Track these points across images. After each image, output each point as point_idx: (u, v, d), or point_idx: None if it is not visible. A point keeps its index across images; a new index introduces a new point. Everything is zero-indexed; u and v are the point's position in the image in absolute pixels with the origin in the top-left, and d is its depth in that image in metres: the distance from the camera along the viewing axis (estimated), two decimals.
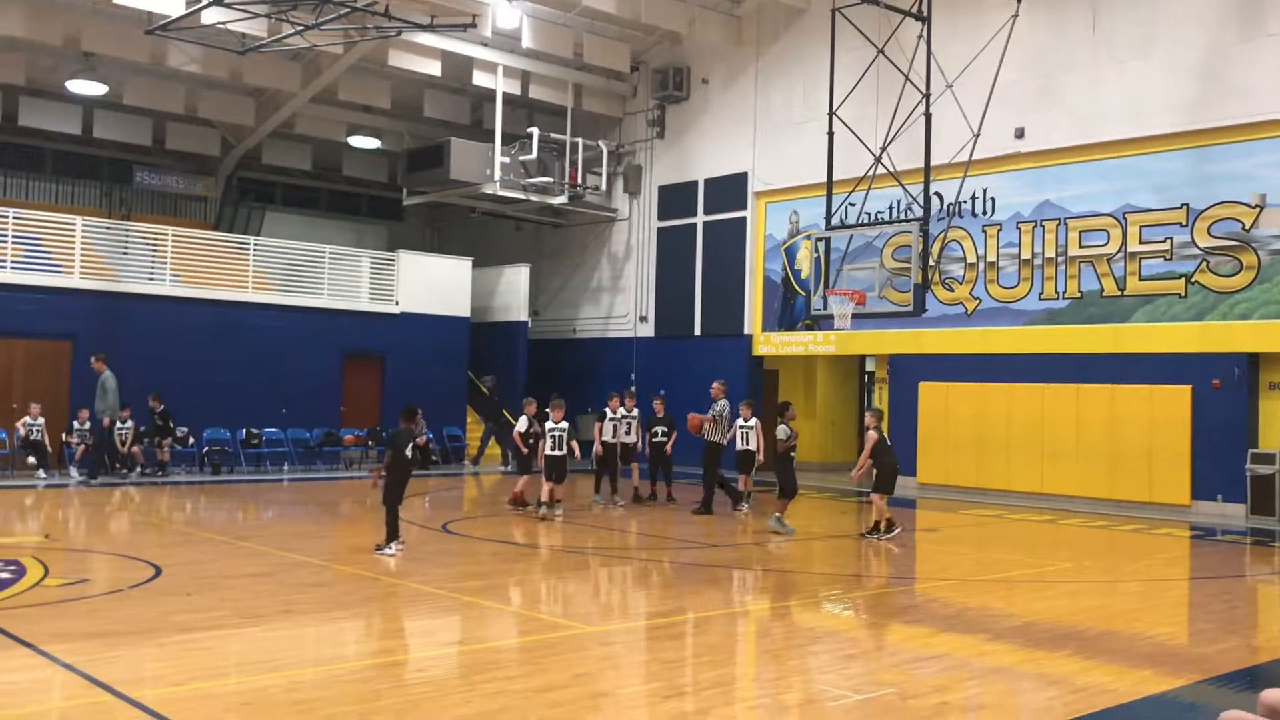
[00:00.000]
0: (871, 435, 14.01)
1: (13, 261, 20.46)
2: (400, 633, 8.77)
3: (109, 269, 21.83)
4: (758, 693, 7.06)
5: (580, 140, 25.86)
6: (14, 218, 20.83)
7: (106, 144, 26.61)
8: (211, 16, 19.47)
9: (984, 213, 20.88)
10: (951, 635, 8.72)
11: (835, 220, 19.74)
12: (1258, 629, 9.91)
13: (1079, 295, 19.60)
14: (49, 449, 19.67)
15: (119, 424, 19.88)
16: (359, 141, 28.15)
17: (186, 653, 7.42)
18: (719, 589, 10.89)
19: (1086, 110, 19.45)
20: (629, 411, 17.37)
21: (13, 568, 10.34)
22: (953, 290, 21.20)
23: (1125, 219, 19.07)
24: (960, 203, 20.63)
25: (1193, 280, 18.31)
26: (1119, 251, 19.14)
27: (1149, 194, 18.82)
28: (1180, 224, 18.44)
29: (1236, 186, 17.85)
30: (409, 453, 11.74)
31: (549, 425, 15.15)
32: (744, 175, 24.72)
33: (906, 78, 18.79)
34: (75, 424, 19.85)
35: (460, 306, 26.04)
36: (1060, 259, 19.86)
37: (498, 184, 24.75)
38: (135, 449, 20.16)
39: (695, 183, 25.76)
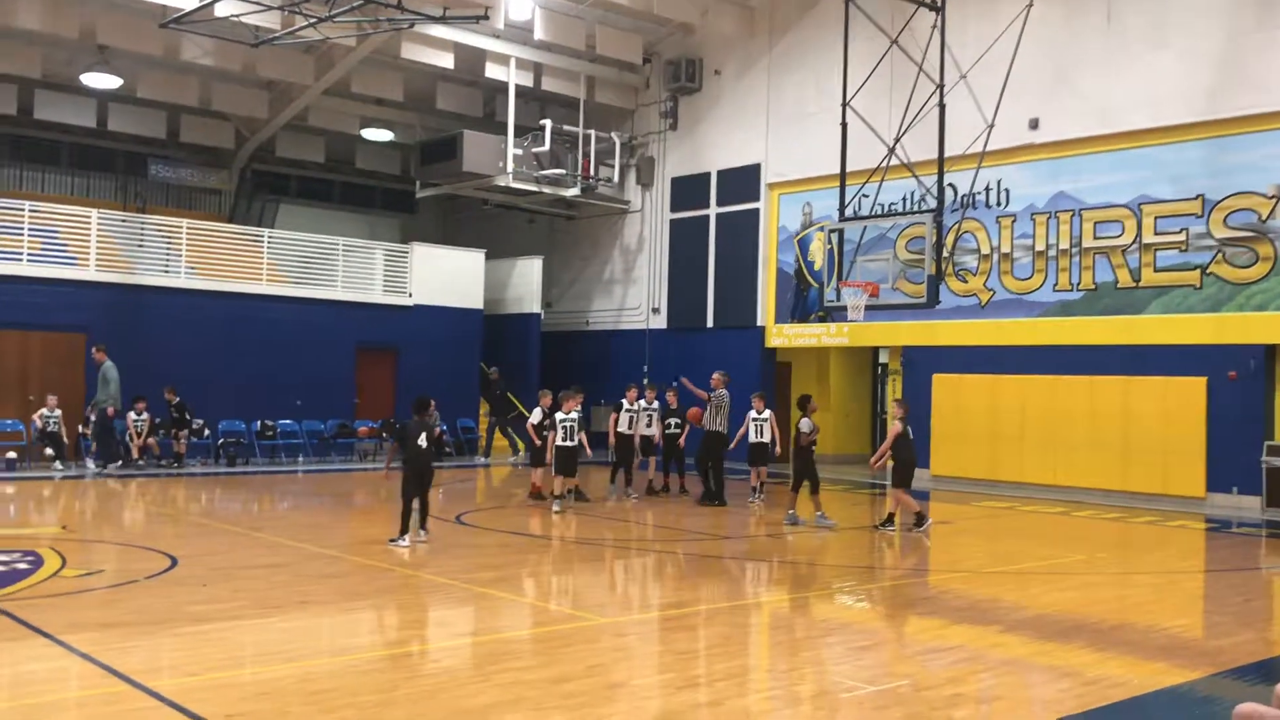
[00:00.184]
0: (895, 427, 13.96)
1: (29, 254, 20.58)
2: (415, 623, 8.81)
3: (124, 261, 21.93)
4: (771, 684, 7.08)
5: (593, 132, 25.85)
6: (30, 210, 20.95)
7: (121, 137, 26.71)
8: (225, 9, 19.53)
9: (998, 204, 20.81)
10: (965, 627, 8.72)
11: (849, 212, 19.68)
12: (1273, 622, 9.89)
13: (1093, 287, 19.53)
14: (65, 440, 19.80)
15: (135, 415, 20.00)
16: (372, 134, 28.19)
17: (202, 643, 7.47)
18: (732, 581, 10.91)
19: (1101, 101, 19.36)
20: (649, 404, 17.33)
21: (30, 558, 10.42)
22: (966, 282, 21.15)
23: (1140, 210, 18.98)
24: (974, 194, 20.57)
25: (1208, 271, 18.22)
26: (1134, 243, 19.05)
27: (1164, 185, 18.72)
28: (1196, 215, 18.35)
29: (1253, 177, 17.75)
30: (422, 444, 11.72)
31: (559, 416, 15.16)
32: (757, 167, 24.68)
33: (920, 68, 18.71)
34: (90, 416, 19.96)
35: (473, 299, 26.09)
36: (1075, 250, 19.79)
37: (510, 176, 24.75)
38: (151, 441, 20.28)
39: (708, 174, 25.72)
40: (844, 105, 19.19)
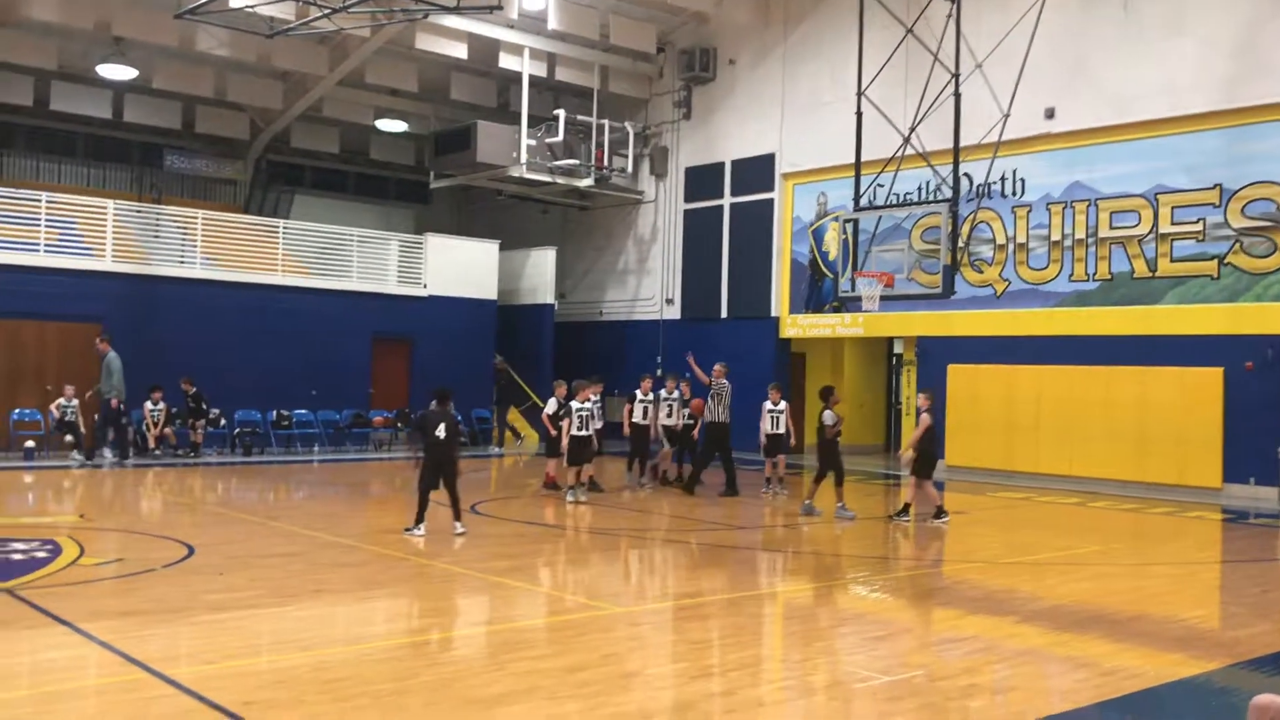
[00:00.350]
0: (926, 419, 13.92)
1: (46, 245, 20.69)
2: (430, 612, 8.83)
3: (140, 252, 22.02)
4: (785, 674, 7.08)
5: (606, 122, 25.82)
6: (47, 201, 21.05)
7: (137, 128, 26.79)
8: (240, 0, 19.55)
9: (1014, 194, 20.72)
10: (980, 617, 8.70)
11: (863, 201, 19.64)
12: None
13: (1109, 277, 19.44)
14: (83, 430, 19.89)
15: (151, 405, 20.11)
16: (386, 125, 28.22)
17: (219, 631, 7.51)
18: (746, 570, 10.91)
19: (1118, 90, 19.24)
20: (669, 394, 17.26)
21: (49, 547, 10.49)
22: (982, 272, 21.07)
23: (1157, 200, 18.88)
24: (990, 184, 20.47)
25: (1225, 261, 18.11)
26: (1150, 233, 18.95)
27: (1181, 174, 18.61)
28: (1213, 205, 18.24)
29: (1271, 166, 17.62)
30: (440, 434, 11.75)
31: (575, 405, 15.14)
32: (771, 156, 24.62)
33: (935, 57, 18.63)
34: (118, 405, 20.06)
35: (487, 289, 26.13)
36: (1090, 240, 19.69)
37: (524, 167, 24.75)
38: (167, 430, 20.38)
39: (722, 164, 25.68)
40: (859, 94, 19.13)
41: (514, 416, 26.26)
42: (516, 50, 24.31)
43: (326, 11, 19.07)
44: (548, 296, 27.33)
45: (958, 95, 18.07)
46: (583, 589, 9.84)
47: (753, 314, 24.88)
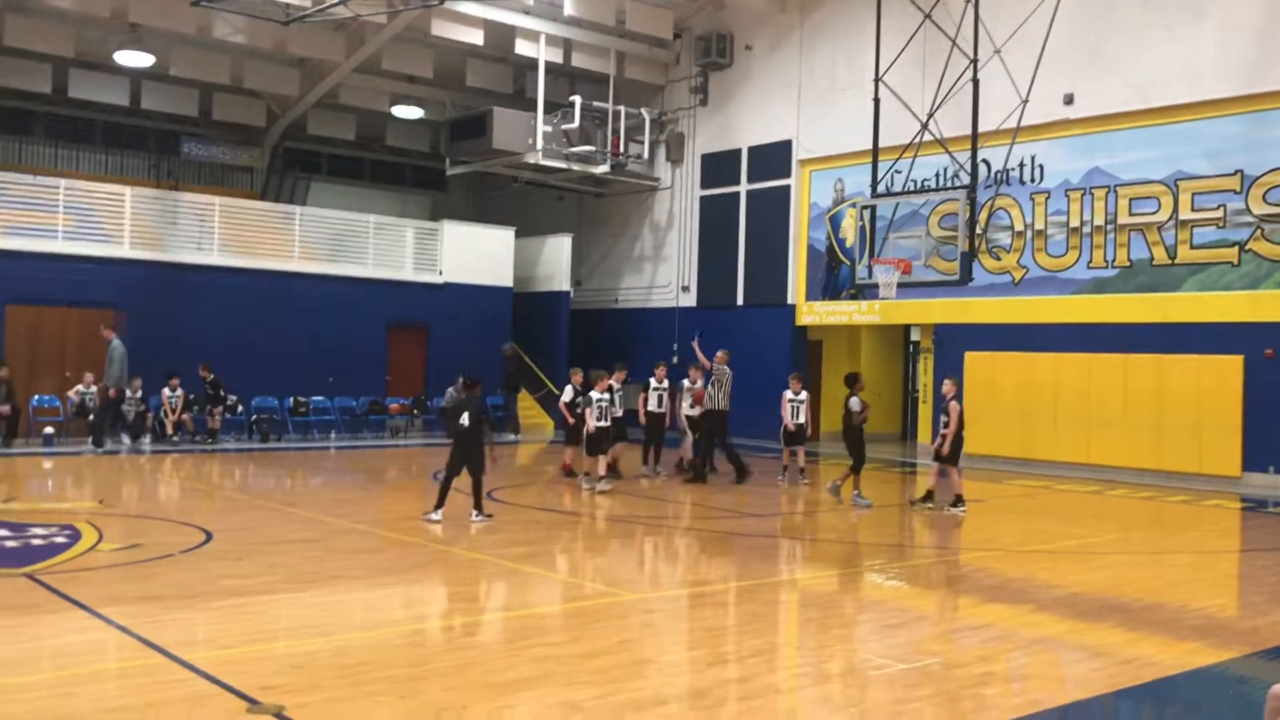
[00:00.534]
0: (956, 406, 13.86)
1: (64, 232, 20.79)
2: (447, 598, 8.87)
3: (158, 239, 22.10)
4: (800, 661, 7.08)
5: (622, 108, 25.75)
6: (65, 189, 21.15)
7: (154, 115, 26.87)
8: None
9: (1032, 180, 20.60)
10: (996, 605, 8.69)
11: (881, 188, 19.57)
12: None
13: (1128, 264, 19.32)
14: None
15: (169, 392, 20.21)
16: (402, 111, 28.21)
17: (237, 616, 7.56)
18: (762, 558, 10.91)
19: (1137, 75, 19.08)
20: (692, 384, 17.15)
21: (68, 532, 10.56)
22: (1000, 259, 20.97)
23: (1177, 186, 18.74)
24: (1008, 170, 20.36)
25: (1246, 248, 17.97)
26: (1170, 219, 18.82)
27: (1202, 160, 18.46)
28: (1234, 191, 18.09)
29: None
30: (464, 422, 11.81)
31: (594, 395, 15.09)
32: (788, 143, 24.52)
33: (954, 43, 18.54)
34: (128, 392, 20.17)
35: (503, 276, 26.15)
36: (1109, 227, 19.57)
37: (540, 153, 24.72)
38: (185, 417, 20.49)
39: (738, 151, 25.59)
40: (876, 80, 19.04)
41: (527, 403, 26.29)
42: (532, 36, 24.26)
43: None
44: (563, 284, 27.32)
45: (976, 81, 17.96)
46: (599, 576, 9.86)
47: (769, 301, 24.83)
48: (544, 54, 24.40)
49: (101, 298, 20.66)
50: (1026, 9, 18.58)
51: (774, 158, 24.78)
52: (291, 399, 22.67)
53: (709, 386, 16.46)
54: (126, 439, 19.67)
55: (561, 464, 16.64)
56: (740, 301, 25.49)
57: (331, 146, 30.08)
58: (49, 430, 19.51)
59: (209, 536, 10.57)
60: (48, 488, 15.20)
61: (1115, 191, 19.49)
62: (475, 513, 11.84)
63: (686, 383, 17.16)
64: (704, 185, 26.36)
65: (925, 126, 18.61)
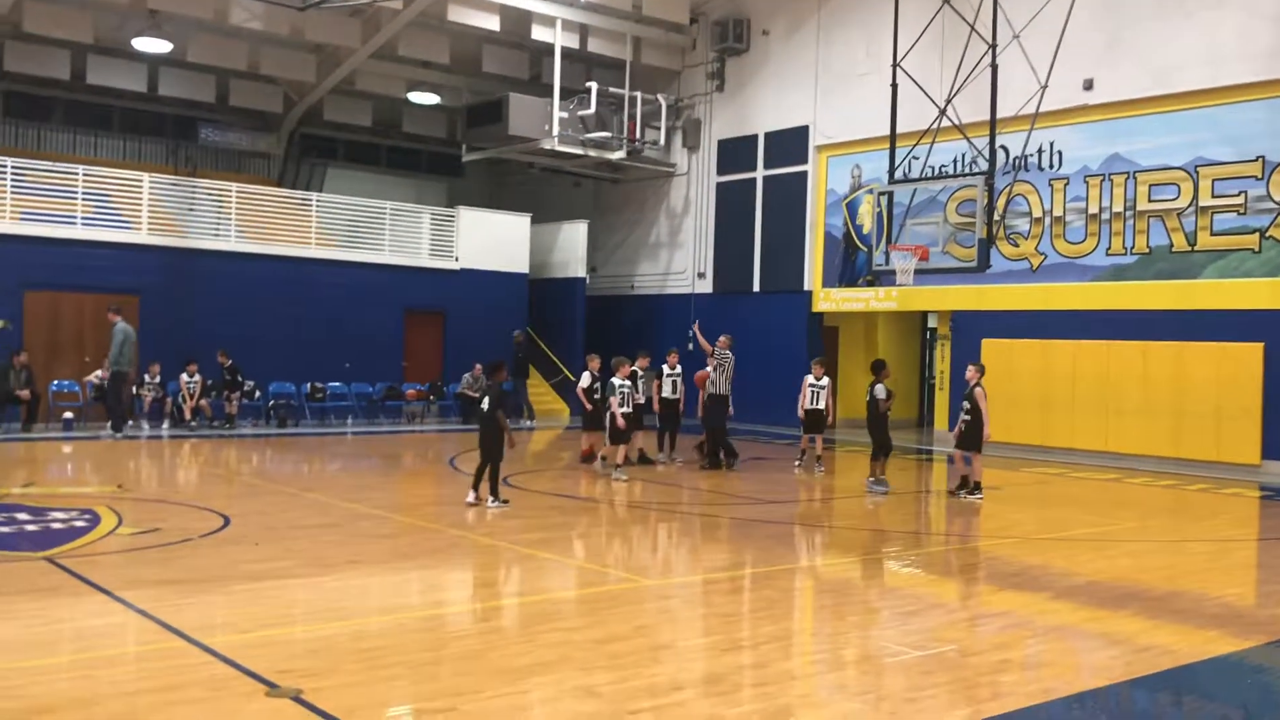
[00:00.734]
0: (980, 392, 13.80)
1: (83, 218, 20.89)
2: (464, 584, 8.91)
3: (175, 225, 22.19)
4: (815, 648, 7.08)
5: (639, 94, 25.69)
6: (84, 175, 21.24)
7: (171, 101, 26.95)
8: None
9: (1050, 166, 20.47)
10: (1013, 593, 8.66)
11: (898, 174, 19.48)
12: None
13: (1147, 251, 19.19)
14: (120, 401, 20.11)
15: (187, 377, 20.30)
16: (419, 97, 28.21)
17: (255, 601, 7.60)
18: (779, 544, 10.90)
19: (1157, 61, 18.92)
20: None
21: (88, 516, 10.64)
22: (1018, 245, 20.86)
23: (1197, 172, 18.59)
24: (1026, 156, 20.24)
25: (1267, 235, 17.82)
26: (1190, 206, 18.68)
27: (1222, 146, 18.31)
28: (1255, 177, 17.94)
29: None
30: (485, 407, 11.87)
31: (617, 381, 15.02)
32: (805, 129, 24.43)
33: (972, 28, 18.41)
34: (146, 377, 20.30)
35: (519, 263, 26.17)
36: (1128, 214, 19.44)
37: (556, 139, 24.69)
38: (203, 403, 20.59)
39: (755, 136, 25.51)
40: (894, 66, 18.94)
41: (542, 388, 26.32)
42: (548, 21, 24.21)
43: None
44: (579, 270, 27.32)
45: (994, 66, 17.85)
46: (615, 562, 9.87)
47: (785, 288, 24.77)
48: (560, 39, 24.36)
49: (120, 284, 20.76)
50: None
51: (791, 143, 24.69)
52: (309, 385, 22.76)
53: (712, 371, 16.43)
54: (146, 425, 19.78)
55: (581, 451, 16.63)
56: (756, 288, 25.44)
57: (348, 133, 30.11)
58: (68, 415, 19.64)
59: (227, 521, 10.63)
60: (67, 472, 15.30)
61: (1134, 178, 19.35)
62: (491, 499, 11.88)
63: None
64: (720, 171, 26.29)
65: (943, 112, 18.51)
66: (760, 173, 25.44)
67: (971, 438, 13.77)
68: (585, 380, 16.22)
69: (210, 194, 23.26)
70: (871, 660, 6.67)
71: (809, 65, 24.32)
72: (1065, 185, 20.27)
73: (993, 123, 17.89)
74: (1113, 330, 19.42)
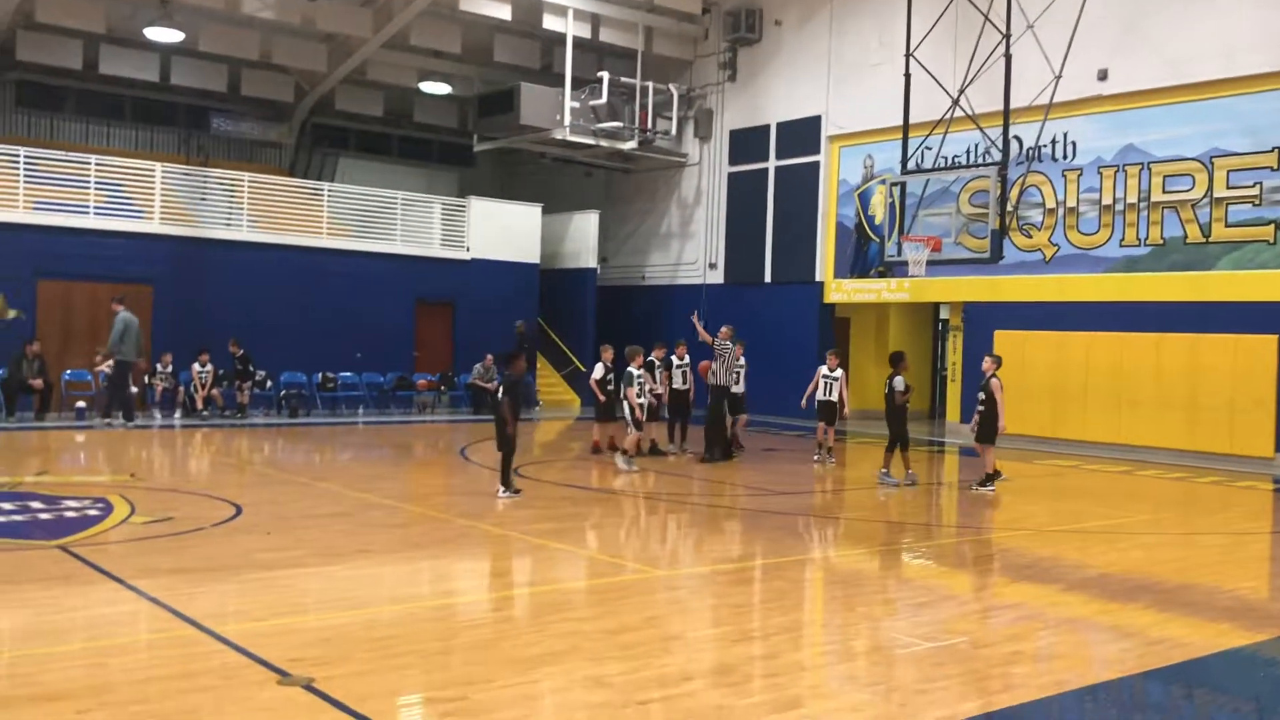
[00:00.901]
0: (996, 384, 13.74)
1: (95, 207, 20.94)
2: (475, 573, 8.91)
3: (188, 214, 22.23)
4: (826, 639, 7.07)
5: (650, 84, 25.64)
6: (96, 164, 21.28)
7: (183, 91, 26.98)
8: None
9: (1064, 157, 20.37)
10: (1025, 585, 8.64)
11: (911, 164, 19.42)
12: None
13: (1161, 242, 19.10)
14: (132, 390, 20.15)
15: (199, 367, 20.37)
16: (430, 87, 28.20)
17: (267, 589, 7.62)
18: (789, 535, 10.89)
19: (1173, 51, 18.80)
20: (736, 361, 16.96)
21: (101, 505, 10.67)
22: (1031, 236, 20.78)
23: (1212, 163, 18.49)
24: (1040, 146, 20.14)
25: None
26: (1204, 197, 18.57)
27: (1238, 137, 18.19)
28: (1271, 168, 17.83)
29: None
30: (499, 397, 11.87)
31: (634, 371, 14.95)
32: (817, 119, 24.35)
33: (986, 17, 18.32)
34: (159, 366, 20.36)
35: (530, 253, 26.17)
36: (1143, 204, 19.34)
37: (568, 129, 24.67)
38: (215, 392, 20.65)
39: (767, 127, 25.45)
40: (907, 55, 18.87)
41: (552, 379, 26.33)
42: (560, 11, 24.17)
43: None
44: (590, 260, 27.31)
45: (1008, 56, 17.77)
46: (626, 552, 9.87)
47: (797, 279, 24.72)
48: (572, 29, 24.32)
49: (132, 273, 20.82)
50: None
51: (803, 134, 24.62)
52: (320, 374, 22.81)
53: (715, 361, 16.37)
54: (158, 414, 19.83)
55: (593, 442, 16.62)
56: (768, 279, 25.39)
57: (360, 122, 30.14)
58: (81, 404, 19.71)
59: (239, 510, 10.66)
60: (80, 461, 15.36)
61: (1149, 169, 19.25)
62: (502, 489, 11.88)
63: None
64: (732, 162, 26.24)
65: (956, 102, 18.43)
66: (772, 163, 25.37)
67: (986, 429, 13.72)
68: (598, 371, 16.19)
69: (222, 184, 23.30)
70: (882, 651, 6.66)
71: (821, 55, 24.23)
72: (1079, 176, 20.18)
73: (1006, 113, 17.81)
74: (1126, 322, 19.34)
